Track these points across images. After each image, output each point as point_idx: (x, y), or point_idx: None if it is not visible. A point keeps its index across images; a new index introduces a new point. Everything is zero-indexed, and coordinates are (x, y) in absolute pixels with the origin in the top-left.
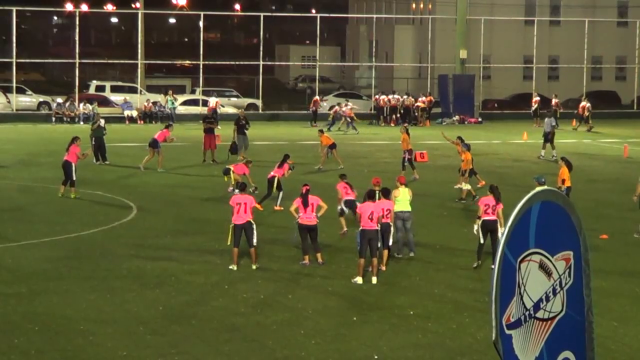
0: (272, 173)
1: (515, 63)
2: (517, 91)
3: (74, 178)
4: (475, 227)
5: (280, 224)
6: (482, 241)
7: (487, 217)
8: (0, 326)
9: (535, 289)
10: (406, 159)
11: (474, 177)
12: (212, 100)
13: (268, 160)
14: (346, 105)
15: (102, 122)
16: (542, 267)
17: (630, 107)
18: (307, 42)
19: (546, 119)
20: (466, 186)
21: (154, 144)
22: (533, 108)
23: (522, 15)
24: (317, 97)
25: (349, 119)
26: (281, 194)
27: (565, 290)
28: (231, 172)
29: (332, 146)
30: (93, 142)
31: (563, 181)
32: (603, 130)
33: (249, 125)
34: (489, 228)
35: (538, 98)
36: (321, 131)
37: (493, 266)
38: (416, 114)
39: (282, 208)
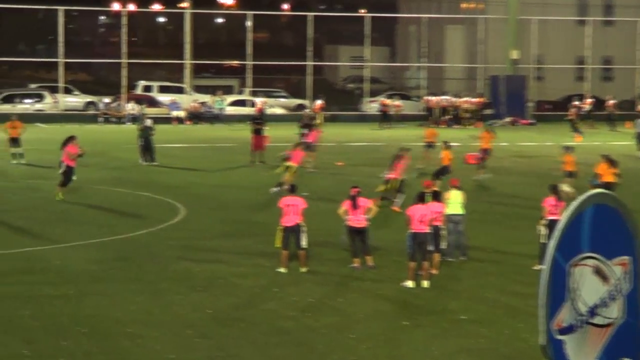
0: (389, 175)
1: (568, 64)
2: (569, 92)
3: (63, 178)
4: (540, 227)
5: (329, 227)
6: (544, 241)
7: (552, 217)
8: (48, 328)
9: (590, 294)
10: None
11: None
12: (258, 101)
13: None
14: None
15: (149, 122)
16: (597, 272)
17: None
18: (356, 42)
19: (637, 120)
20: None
21: (307, 147)
22: (586, 109)
23: (574, 15)
24: (384, 99)
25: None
26: (402, 196)
27: (624, 296)
28: (288, 163)
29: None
30: (141, 143)
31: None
32: None
33: (314, 125)
34: (554, 228)
35: (591, 100)
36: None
37: (541, 267)
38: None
39: (400, 210)
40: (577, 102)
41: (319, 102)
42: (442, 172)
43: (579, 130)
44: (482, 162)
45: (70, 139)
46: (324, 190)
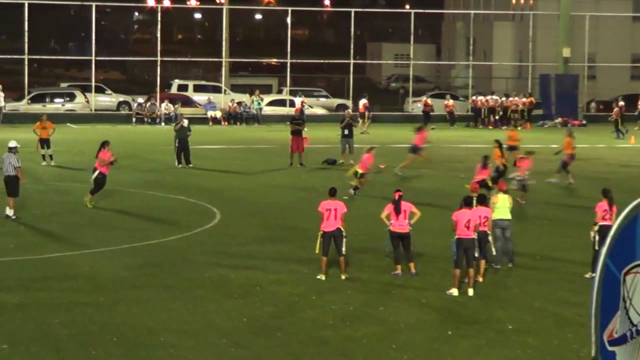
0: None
1: (622, 62)
2: (624, 92)
3: (93, 186)
4: (592, 233)
5: (370, 232)
6: (597, 248)
7: (604, 223)
8: (78, 337)
9: None
10: (566, 162)
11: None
12: (298, 101)
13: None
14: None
15: (186, 122)
16: None
17: None
18: (401, 39)
19: None
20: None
21: (413, 150)
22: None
23: (629, 11)
24: (426, 99)
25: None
26: None
27: None
28: (356, 170)
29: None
30: (177, 144)
31: None
32: None
33: (355, 125)
34: (606, 234)
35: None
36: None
37: (592, 275)
38: (514, 116)
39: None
40: (621, 103)
41: (363, 101)
42: (499, 174)
43: (621, 131)
44: (566, 166)
45: (103, 145)
46: (365, 194)
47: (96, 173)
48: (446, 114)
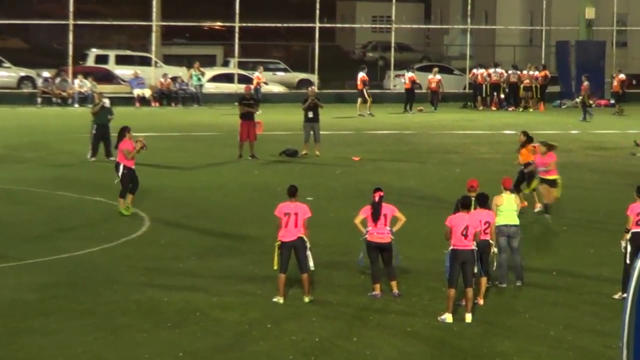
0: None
1: None
2: None
3: (121, 187)
4: (623, 243)
5: (342, 242)
6: (628, 261)
7: (639, 229)
8: None
9: None
10: None
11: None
12: (254, 76)
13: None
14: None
15: (107, 102)
16: None
17: None
18: None
19: None
20: None
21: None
22: None
23: None
24: (412, 74)
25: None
26: None
27: None
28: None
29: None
30: (94, 131)
31: None
32: None
33: (321, 106)
34: None
35: None
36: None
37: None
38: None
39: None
40: (585, 84)
41: (361, 75)
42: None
43: (589, 112)
44: None
45: (123, 132)
46: (335, 194)
47: (121, 169)
48: (428, 93)
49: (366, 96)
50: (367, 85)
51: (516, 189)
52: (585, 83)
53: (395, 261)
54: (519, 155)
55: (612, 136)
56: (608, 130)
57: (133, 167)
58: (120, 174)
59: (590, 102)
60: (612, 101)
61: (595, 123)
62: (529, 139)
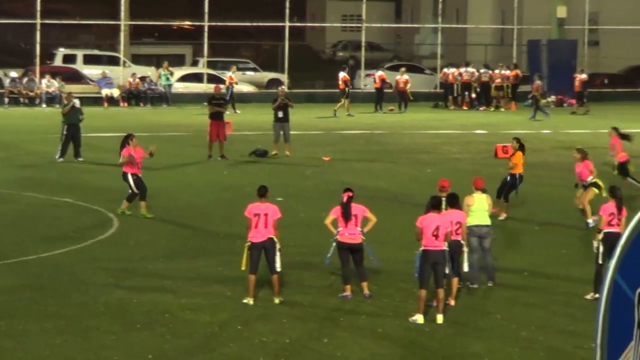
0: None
1: (633, 24)
2: (634, 62)
3: (139, 193)
4: (595, 243)
5: (312, 243)
6: (601, 261)
7: (611, 229)
8: None
9: None
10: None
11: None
12: (227, 75)
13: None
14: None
15: (77, 102)
16: None
17: None
18: None
19: None
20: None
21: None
22: None
23: None
24: (382, 73)
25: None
26: None
27: None
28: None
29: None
30: (65, 132)
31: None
32: None
33: (291, 106)
34: (614, 243)
35: None
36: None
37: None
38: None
39: None
40: (538, 82)
41: (342, 75)
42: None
43: (542, 110)
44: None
45: (126, 140)
46: (305, 194)
47: (129, 178)
48: (397, 93)
49: (345, 97)
50: (348, 85)
51: (501, 196)
52: (537, 82)
53: (372, 261)
54: (510, 162)
55: (584, 136)
56: (579, 130)
57: (140, 174)
58: (131, 183)
59: (544, 100)
60: (584, 100)
61: (566, 123)
62: (522, 146)
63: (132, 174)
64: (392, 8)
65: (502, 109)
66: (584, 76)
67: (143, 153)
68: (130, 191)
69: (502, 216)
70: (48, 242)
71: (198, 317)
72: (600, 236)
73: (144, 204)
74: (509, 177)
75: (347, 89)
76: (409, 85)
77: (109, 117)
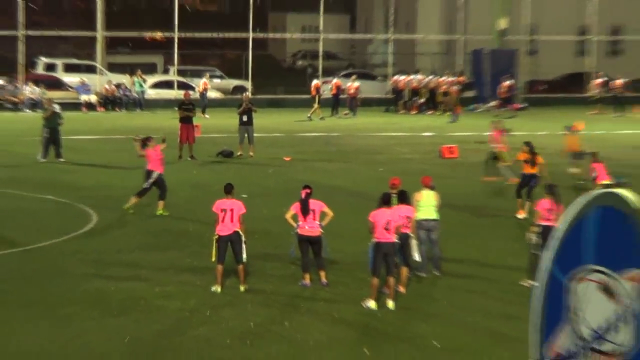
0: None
1: (568, 35)
2: (569, 70)
3: (160, 189)
4: (531, 235)
5: (275, 235)
6: (537, 252)
7: (547, 224)
8: None
9: (596, 315)
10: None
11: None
12: (200, 82)
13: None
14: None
15: (57, 107)
16: (604, 288)
17: None
18: (309, 9)
19: None
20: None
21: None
22: (596, 91)
23: None
24: (337, 80)
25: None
26: None
27: (636, 317)
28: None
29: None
30: (46, 135)
31: None
32: None
33: (255, 112)
34: (549, 236)
35: (601, 80)
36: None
37: (532, 283)
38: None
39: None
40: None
41: (315, 82)
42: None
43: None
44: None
45: (145, 142)
46: (268, 191)
47: (154, 176)
48: (347, 99)
49: (317, 102)
50: (319, 92)
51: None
52: (455, 87)
53: (324, 253)
54: (536, 164)
55: (522, 138)
56: (519, 132)
57: (162, 173)
58: (152, 179)
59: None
60: (523, 105)
61: (507, 125)
62: (532, 151)
63: (158, 173)
64: (347, 20)
65: (449, 114)
66: (509, 82)
67: (160, 151)
68: (144, 187)
69: (522, 215)
70: (31, 236)
71: (170, 304)
72: (537, 229)
73: (163, 203)
74: (523, 176)
75: (317, 95)
76: (359, 92)
77: (88, 121)
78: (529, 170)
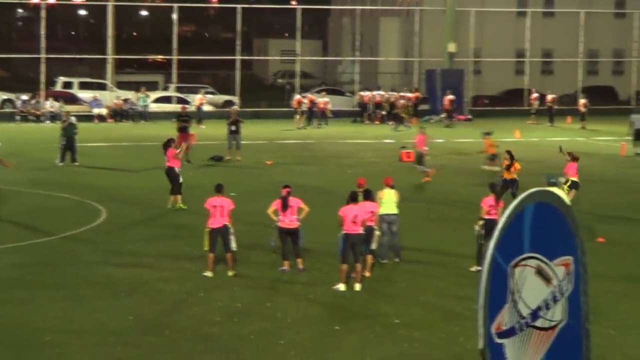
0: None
1: (507, 57)
2: (508, 87)
3: (179, 182)
4: (477, 227)
5: (258, 228)
6: (482, 241)
7: (490, 217)
8: None
9: (533, 296)
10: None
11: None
12: (196, 98)
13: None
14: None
15: (74, 119)
16: (539, 272)
17: (627, 102)
18: (287, 35)
19: (632, 116)
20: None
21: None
22: (534, 106)
23: (514, 6)
24: (311, 96)
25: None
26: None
27: (566, 297)
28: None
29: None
30: (64, 142)
31: None
32: (599, 127)
33: (242, 122)
34: (492, 228)
35: (537, 95)
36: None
37: (479, 268)
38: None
39: None
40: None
41: (296, 97)
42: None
43: (403, 121)
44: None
45: (168, 143)
46: (253, 190)
47: (176, 170)
48: (318, 112)
49: (299, 114)
50: (301, 106)
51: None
52: (402, 101)
53: (300, 243)
54: (512, 169)
55: (469, 144)
56: (465, 139)
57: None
58: (176, 174)
59: (404, 115)
60: (469, 116)
61: (455, 133)
62: (512, 158)
63: (178, 168)
64: (320, 45)
65: (407, 124)
66: (451, 97)
67: (175, 151)
68: (175, 184)
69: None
70: (50, 229)
71: (169, 287)
72: (481, 222)
73: (179, 197)
74: (505, 181)
75: (298, 109)
76: (329, 105)
77: (99, 130)
78: (508, 175)
